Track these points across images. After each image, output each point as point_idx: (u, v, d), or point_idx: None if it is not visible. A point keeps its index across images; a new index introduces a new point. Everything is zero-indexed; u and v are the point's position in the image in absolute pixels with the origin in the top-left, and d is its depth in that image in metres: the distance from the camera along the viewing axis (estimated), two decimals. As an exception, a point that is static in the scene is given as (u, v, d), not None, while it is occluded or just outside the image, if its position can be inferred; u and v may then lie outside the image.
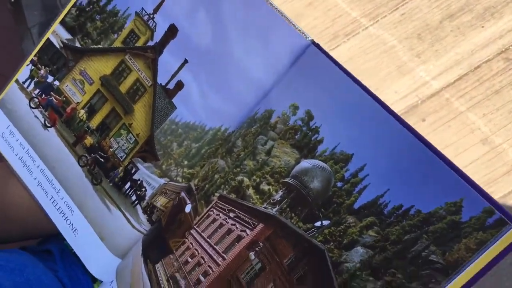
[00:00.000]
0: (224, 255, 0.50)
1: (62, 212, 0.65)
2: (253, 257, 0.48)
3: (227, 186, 0.53)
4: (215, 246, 0.51)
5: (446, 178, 0.40)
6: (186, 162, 0.59)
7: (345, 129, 0.47)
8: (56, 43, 0.65)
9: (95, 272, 0.64)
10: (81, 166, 0.65)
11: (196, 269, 0.52)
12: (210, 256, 0.51)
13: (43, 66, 0.66)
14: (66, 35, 0.65)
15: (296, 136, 0.50)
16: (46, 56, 0.66)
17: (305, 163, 0.48)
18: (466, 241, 0.39)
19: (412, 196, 0.41)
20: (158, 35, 0.60)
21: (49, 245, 0.76)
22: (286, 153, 0.50)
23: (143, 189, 0.62)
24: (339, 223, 0.44)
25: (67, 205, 0.65)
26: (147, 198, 0.62)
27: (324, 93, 0.50)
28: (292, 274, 0.46)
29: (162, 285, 0.54)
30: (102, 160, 0.64)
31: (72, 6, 0.64)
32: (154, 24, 0.61)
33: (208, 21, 0.58)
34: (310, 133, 0.49)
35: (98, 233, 0.63)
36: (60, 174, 0.65)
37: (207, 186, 0.55)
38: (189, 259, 0.53)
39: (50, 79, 0.66)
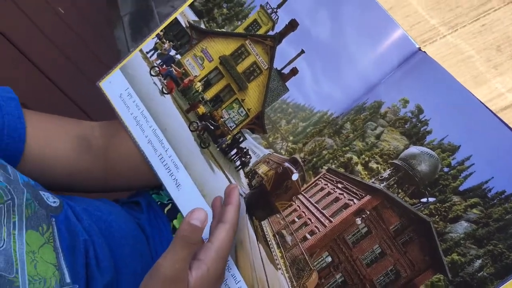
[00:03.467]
0: (331, 218, 0.56)
1: (168, 169, 0.70)
2: (359, 222, 0.54)
3: (335, 161, 0.59)
4: (322, 211, 0.57)
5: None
6: (291, 138, 0.65)
7: (453, 124, 0.53)
8: (183, 22, 0.71)
9: (192, 224, 0.69)
10: (191, 131, 0.70)
11: (303, 228, 0.58)
12: (317, 218, 0.57)
13: (167, 41, 0.71)
14: (193, 17, 0.70)
15: (406, 126, 0.56)
16: (172, 32, 0.71)
17: (414, 149, 0.54)
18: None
19: (514, 185, 0.47)
20: (278, 27, 0.66)
21: (138, 197, 0.81)
22: (395, 139, 0.56)
23: (248, 157, 0.67)
24: (445, 201, 0.50)
25: (174, 163, 0.70)
26: (250, 164, 0.67)
27: (434, 92, 0.56)
28: (398, 238, 0.51)
29: (268, 239, 0.59)
30: (212, 128, 0.69)
31: (202, -8, 0.69)
32: (277, 17, 0.66)
33: (327, 19, 0.64)
34: (419, 124, 0.55)
35: (200, 190, 0.68)
36: (170, 136, 0.70)
37: (315, 159, 0.61)
38: (296, 219, 0.59)
39: (172, 52, 0.71)
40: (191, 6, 0.70)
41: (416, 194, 0.52)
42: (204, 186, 0.69)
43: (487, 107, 0.52)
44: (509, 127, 0.50)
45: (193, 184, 0.69)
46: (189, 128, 0.70)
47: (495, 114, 0.51)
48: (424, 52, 0.60)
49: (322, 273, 0.55)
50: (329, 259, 0.55)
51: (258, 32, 0.67)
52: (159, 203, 0.78)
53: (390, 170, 0.55)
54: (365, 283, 0.52)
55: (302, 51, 0.65)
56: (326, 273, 0.55)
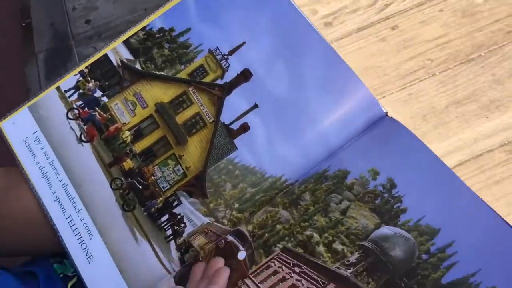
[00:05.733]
0: (286, 311, 0.46)
1: (79, 235, 0.57)
2: (321, 317, 0.44)
3: (292, 239, 0.49)
4: (275, 300, 0.47)
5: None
6: (237, 205, 0.55)
7: (431, 203, 0.46)
8: (114, 60, 0.60)
9: (104, 306, 0.55)
10: (113, 189, 0.58)
11: (252, 321, 0.47)
12: (269, 310, 0.46)
13: (92, 79, 0.59)
14: (127, 55, 0.60)
15: (376, 201, 0.48)
16: (99, 70, 0.60)
17: (386, 230, 0.46)
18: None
19: (507, 280, 0.41)
20: (229, 76, 0.57)
21: (35, 267, 0.66)
22: (364, 216, 0.48)
23: (182, 225, 0.56)
24: (426, 296, 0.42)
25: (87, 228, 0.57)
26: (184, 234, 0.56)
27: (406, 164, 0.49)
28: None
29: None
30: (140, 187, 0.57)
31: (140, 30, 0.59)
32: (227, 64, 0.57)
33: (285, 71, 0.56)
34: (392, 200, 0.48)
35: (117, 264, 0.56)
36: (85, 194, 0.58)
37: (266, 235, 0.51)
38: (242, 309, 0.48)
39: (97, 93, 0.60)
40: (126, 42, 0.60)
41: (390, 285, 0.44)
42: (122, 260, 0.56)
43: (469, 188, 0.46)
44: (494, 211, 0.44)
45: (109, 256, 0.56)
46: (111, 186, 0.58)
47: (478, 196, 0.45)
48: (392, 117, 0.54)
49: None
50: None
51: (205, 80, 0.58)
52: (61, 275, 0.64)
53: (358, 254, 0.46)
54: None
55: (256, 105, 0.56)
56: None
